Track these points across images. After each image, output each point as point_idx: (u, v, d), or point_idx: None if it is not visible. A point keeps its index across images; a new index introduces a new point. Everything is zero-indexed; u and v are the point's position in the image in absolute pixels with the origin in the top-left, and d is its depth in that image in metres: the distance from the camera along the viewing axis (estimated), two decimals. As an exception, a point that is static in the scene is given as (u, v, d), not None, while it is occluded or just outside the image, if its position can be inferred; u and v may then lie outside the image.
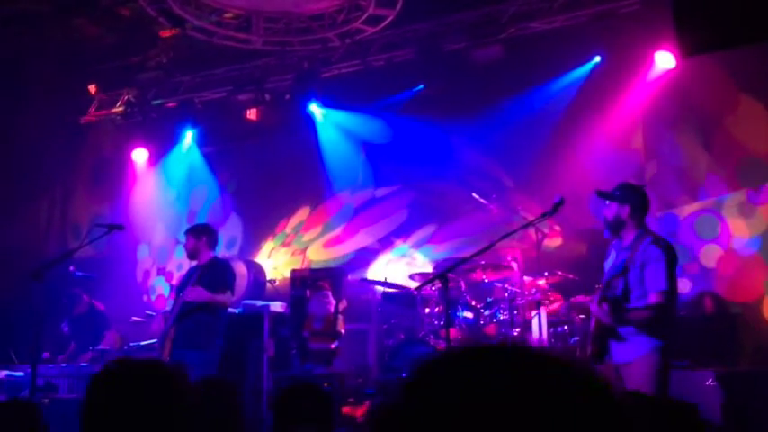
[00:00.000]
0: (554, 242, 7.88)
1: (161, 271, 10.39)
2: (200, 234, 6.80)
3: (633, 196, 4.77)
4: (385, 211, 9.36)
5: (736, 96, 7.54)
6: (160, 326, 6.71)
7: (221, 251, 9.66)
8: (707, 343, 6.49)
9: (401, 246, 9.15)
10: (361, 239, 9.45)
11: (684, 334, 6.43)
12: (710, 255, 7.42)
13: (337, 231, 9.65)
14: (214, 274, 6.55)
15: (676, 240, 7.32)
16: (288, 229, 9.98)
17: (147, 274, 10.47)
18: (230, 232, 10.18)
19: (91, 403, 1.89)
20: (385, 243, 9.25)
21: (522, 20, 8.19)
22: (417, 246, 9.08)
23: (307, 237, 9.89)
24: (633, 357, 4.50)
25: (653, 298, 4.52)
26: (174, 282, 9.78)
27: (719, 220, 7.47)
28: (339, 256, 9.54)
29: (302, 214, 9.94)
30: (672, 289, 4.57)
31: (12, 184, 9.42)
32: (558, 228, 7.74)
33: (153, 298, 10.22)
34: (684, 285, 7.28)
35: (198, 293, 6.37)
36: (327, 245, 9.71)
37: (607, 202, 4.79)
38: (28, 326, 7.03)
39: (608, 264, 4.89)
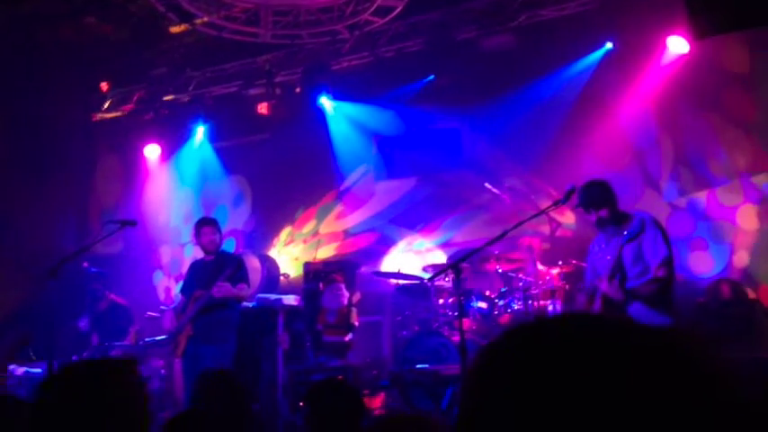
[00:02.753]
0: (567, 218, 7.81)
1: (178, 278, 10.45)
2: (220, 228, 6.84)
3: (605, 195, 4.95)
4: (397, 203, 9.33)
5: (750, 82, 7.48)
6: (172, 322, 6.69)
7: (229, 209, 9.99)
8: (726, 329, 6.43)
9: (413, 237, 9.13)
10: (373, 226, 9.47)
11: (702, 320, 6.39)
12: (748, 216, 7.41)
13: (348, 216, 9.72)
14: (234, 268, 6.55)
15: (711, 221, 7.35)
16: (283, 236, 10.03)
17: (167, 290, 10.51)
18: (234, 190, 10.35)
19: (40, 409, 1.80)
20: (397, 235, 9.23)
21: (532, 7, 8.12)
22: (430, 236, 9.06)
23: (306, 229, 9.95)
24: None
25: (658, 271, 4.68)
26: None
27: (741, 183, 7.46)
28: (353, 224, 9.58)
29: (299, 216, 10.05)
30: (671, 257, 4.74)
31: (25, 183, 9.47)
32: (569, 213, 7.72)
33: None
34: (741, 259, 7.31)
35: (226, 290, 6.37)
36: (339, 217, 9.76)
37: (588, 210, 4.96)
38: (45, 323, 7.07)
39: (595, 254, 5.08)
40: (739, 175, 7.51)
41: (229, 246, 9.71)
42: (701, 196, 7.69)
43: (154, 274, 10.58)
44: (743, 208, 7.46)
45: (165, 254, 10.63)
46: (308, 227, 9.93)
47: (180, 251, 10.39)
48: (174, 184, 10.63)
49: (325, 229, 9.81)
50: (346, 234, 9.66)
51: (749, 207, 7.43)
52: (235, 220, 10.24)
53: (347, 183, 9.68)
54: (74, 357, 7.93)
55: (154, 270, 10.59)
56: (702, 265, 7.50)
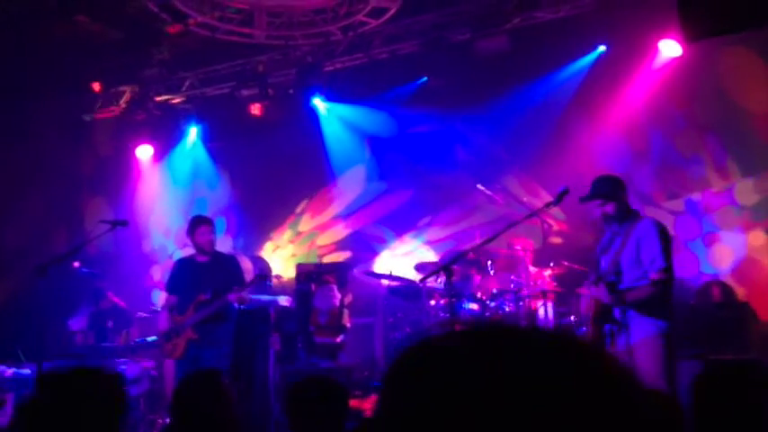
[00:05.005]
0: (557, 214, 7.82)
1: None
2: (215, 227, 6.78)
3: (615, 190, 4.85)
4: (390, 205, 9.33)
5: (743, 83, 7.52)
6: (168, 323, 6.60)
7: (208, 198, 9.87)
8: (717, 331, 6.45)
9: (406, 239, 9.12)
10: (367, 227, 9.48)
11: (694, 322, 6.40)
12: (746, 192, 7.48)
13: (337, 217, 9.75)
14: (237, 271, 6.51)
15: (713, 212, 7.39)
16: (268, 248, 10.03)
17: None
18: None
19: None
20: (390, 236, 9.23)
21: (526, 9, 8.12)
22: (422, 238, 9.06)
23: (285, 236, 10.02)
24: (636, 340, 4.48)
25: (653, 276, 4.58)
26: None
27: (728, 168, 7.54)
28: (343, 207, 9.65)
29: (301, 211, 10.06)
30: (670, 266, 4.61)
31: (15, 183, 9.43)
32: (556, 226, 7.72)
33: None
34: (756, 237, 7.37)
35: (243, 297, 6.34)
36: (317, 212, 9.87)
37: (595, 201, 4.86)
38: (35, 323, 7.04)
39: (601, 250, 4.95)
40: (723, 164, 7.58)
41: (221, 225, 9.74)
42: (695, 195, 7.74)
43: (152, 293, 10.45)
44: (738, 186, 7.51)
45: (157, 272, 10.56)
46: (285, 235, 9.98)
47: (169, 263, 10.30)
48: (166, 185, 10.59)
49: (305, 226, 9.85)
50: (340, 217, 9.66)
51: (744, 183, 7.48)
52: (216, 202, 10.25)
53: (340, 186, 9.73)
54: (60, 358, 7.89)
55: (151, 290, 10.47)
56: (723, 257, 7.51)
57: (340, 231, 9.72)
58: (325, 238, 9.77)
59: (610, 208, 4.78)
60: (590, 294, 4.77)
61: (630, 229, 4.71)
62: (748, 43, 7.20)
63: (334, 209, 9.78)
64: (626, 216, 4.82)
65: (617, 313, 4.60)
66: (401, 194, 9.26)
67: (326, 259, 9.57)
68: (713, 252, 7.58)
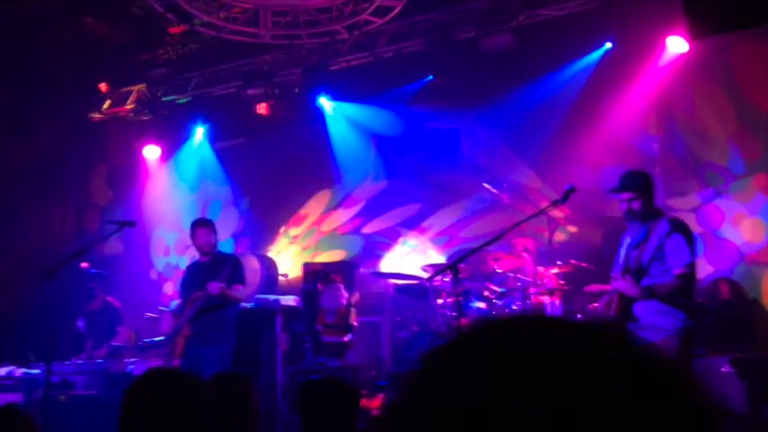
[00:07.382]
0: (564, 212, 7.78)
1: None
2: (215, 228, 6.85)
3: (642, 185, 4.80)
4: (396, 203, 9.32)
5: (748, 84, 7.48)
6: (169, 324, 6.72)
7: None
8: (724, 329, 6.42)
9: (413, 237, 9.12)
10: (374, 226, 9.46)
11: (701, 320, 6.38)
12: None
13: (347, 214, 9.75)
14: (232, 268, 6.55)
15: (732, 191, 7.36)
16: (283, 241, 10.03)
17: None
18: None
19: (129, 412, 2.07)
20: (397, 235, 9.23)
21: (532, 7, 8.10)
22: (429, 237, 9.05)
23: (297, 230, 10.03)
24: (657, 339, 4.46)
25: (678, 271, 4.58)
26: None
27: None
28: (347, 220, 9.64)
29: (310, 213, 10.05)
30: (694, 263, 4.62)
31: (24, 184, 9.48)
32: (562, 214, 7.68)
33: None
34: None
35: (222, 288, 6.38)
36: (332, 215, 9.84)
37: (622, 195, 4.81)
38: (44, 324, 7.08)
39: (623, 250, 4.90)
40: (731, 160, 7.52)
41: (217, 207, 9.71)
42: (706, 188, 7.68)
43: (170, 303, 10.46)
44: (758, 175, 7.44)
45: (169, 288, 10.53)
46: (282, 242, 10.00)
47: (179, 273, 10.32)
48: (173, 186, 10.59)
49: (296, 232, 9.90)
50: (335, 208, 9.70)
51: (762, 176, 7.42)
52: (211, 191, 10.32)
53: (346, 185, 9.70)
54: (73, 359, 7.94)
55: (169, 300, 10.48)
56: (756, 229, 7.37)
57: (341, 214, 9.69)
58: (332, 223, 9.73)
59: (637, 204, 4.71)
60: (613, 289, 4.74)
61: (653, 227, 4.67)
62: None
63: (319, 210, 9.78)
64: (651, 214, 4.75)
65: (636, 311, 4.59)
66: (407, 193, 9.25)
67: (365, 230, 9.56)
68: (745, 229, 7.44)
